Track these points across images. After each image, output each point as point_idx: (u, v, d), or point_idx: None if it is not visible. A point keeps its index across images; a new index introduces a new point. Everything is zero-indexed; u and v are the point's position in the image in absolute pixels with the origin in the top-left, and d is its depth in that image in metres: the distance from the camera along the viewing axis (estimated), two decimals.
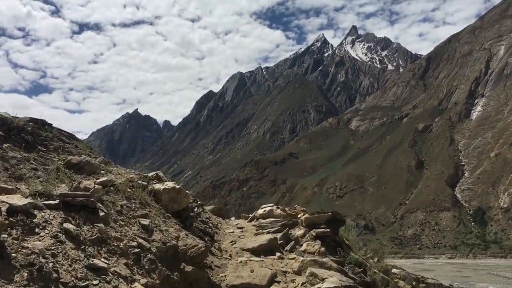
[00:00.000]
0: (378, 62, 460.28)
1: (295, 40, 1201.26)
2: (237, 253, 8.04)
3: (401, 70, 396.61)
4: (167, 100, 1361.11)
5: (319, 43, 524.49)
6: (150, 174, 9.24)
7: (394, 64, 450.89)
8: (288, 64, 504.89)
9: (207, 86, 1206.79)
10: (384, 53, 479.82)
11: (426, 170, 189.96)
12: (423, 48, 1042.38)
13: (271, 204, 10.84)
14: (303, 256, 7.78)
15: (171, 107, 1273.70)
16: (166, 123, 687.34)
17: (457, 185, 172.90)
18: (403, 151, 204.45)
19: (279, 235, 8.59)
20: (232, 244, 8.49)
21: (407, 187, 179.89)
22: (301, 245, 8.39)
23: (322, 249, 8.05)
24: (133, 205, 6.83)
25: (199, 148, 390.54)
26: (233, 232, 9.52)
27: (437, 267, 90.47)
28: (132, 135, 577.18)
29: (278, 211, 9.90)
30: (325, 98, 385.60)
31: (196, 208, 9.54)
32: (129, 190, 7.20)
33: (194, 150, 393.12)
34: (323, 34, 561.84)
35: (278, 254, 7.96)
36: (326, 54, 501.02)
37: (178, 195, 7.85)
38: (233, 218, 12.15)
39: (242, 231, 9.48)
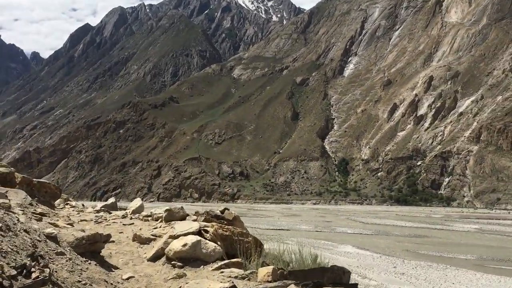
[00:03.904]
0: (263, 12, 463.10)
1: None
2: None
3: (284, 22, 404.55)
4: (35, 29, 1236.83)
5: None
6: None
7: (279, 15, 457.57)
8: (173, 4, 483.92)
9: (82, 18, 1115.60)
10: (270, 4, 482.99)
11: (300, 121, 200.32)
12: (307, 3, 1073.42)
13: (191, 223, 6.58)
14: None
15: (40, 38, 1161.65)
16: (35, 55, 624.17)
17: (327, 137, 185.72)
18: (281, 102, 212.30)
19: None
20: None
21: (282, 136, 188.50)
22: None
23: None
24: None
25: (72, 85, 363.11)
26: None
27: (303, 212, 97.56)
28: None
29: (211, 245, 5.87)
30: (210, 44, 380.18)
31: None
32: None
33: (66, 87, 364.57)
34: None
35: None
36: None
37: None
38: (75, 203, 8.87)
39: None
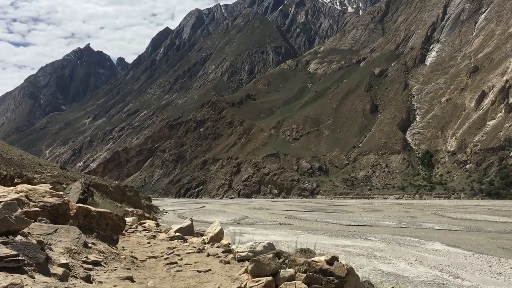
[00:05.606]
0: (338, 4, 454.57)
1: None
2: None
3: (360, 13, 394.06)
4: (119, 35, 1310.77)
5: None
6: None
7: (354, 6, 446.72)
8: (248, 2, 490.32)
9: (161, 22, 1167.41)
10: None
11: (380, 114, 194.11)
12: None
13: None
14: None
15: (124, 44, 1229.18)
16: (120, 60, 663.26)
17: (408, 129, 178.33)
18: (359, 94, 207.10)
19: None
20: None
21: (361, 130, 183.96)
22: None
23: None
24: None
25: (154, 88, 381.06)
26: None
27: (386, 207, 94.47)
28: (84, 72, 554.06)
29: None
30: (284, 39, 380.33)
31: None
32: None
33: (149, 89, 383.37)
34: None
35: None
36: None
37: None
38: None
39: None
